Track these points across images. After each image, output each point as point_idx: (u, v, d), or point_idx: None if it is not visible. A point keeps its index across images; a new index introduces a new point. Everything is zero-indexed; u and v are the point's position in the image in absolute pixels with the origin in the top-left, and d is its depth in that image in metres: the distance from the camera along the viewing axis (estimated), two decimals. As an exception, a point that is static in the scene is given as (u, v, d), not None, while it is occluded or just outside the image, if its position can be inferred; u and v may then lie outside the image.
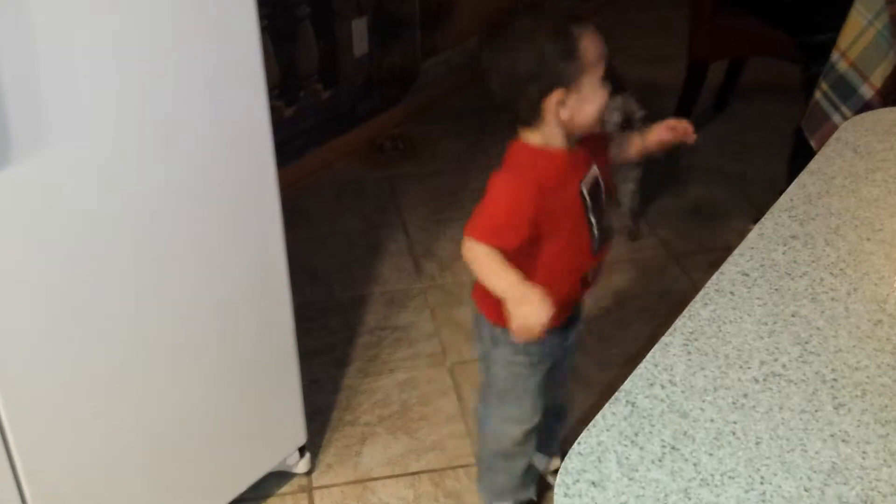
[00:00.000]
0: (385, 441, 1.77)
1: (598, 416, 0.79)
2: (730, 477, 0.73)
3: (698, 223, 2.48)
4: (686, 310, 0.92)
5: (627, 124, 2.22)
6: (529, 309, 1.10)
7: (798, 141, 2.02)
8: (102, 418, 1.26)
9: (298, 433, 1.63)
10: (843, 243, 1.04)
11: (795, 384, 0.82)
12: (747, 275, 0.98)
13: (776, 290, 0.95)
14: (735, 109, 3.05)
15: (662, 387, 0.82)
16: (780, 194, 1.13)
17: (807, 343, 0.88)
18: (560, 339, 1.36)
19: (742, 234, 1.06)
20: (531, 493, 1.55)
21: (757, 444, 0.76)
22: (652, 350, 0.86)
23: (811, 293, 0.95)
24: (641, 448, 0.75)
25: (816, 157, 1.22)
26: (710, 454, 0.75)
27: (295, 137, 2.58)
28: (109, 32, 1.06)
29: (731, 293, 0.95)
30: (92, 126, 1.09)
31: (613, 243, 1.33)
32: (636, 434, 0.77)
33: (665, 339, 0.88)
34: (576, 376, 1.69)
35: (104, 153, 1.12)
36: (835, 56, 1.85)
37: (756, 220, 1.08)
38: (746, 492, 0.71)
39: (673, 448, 0.75)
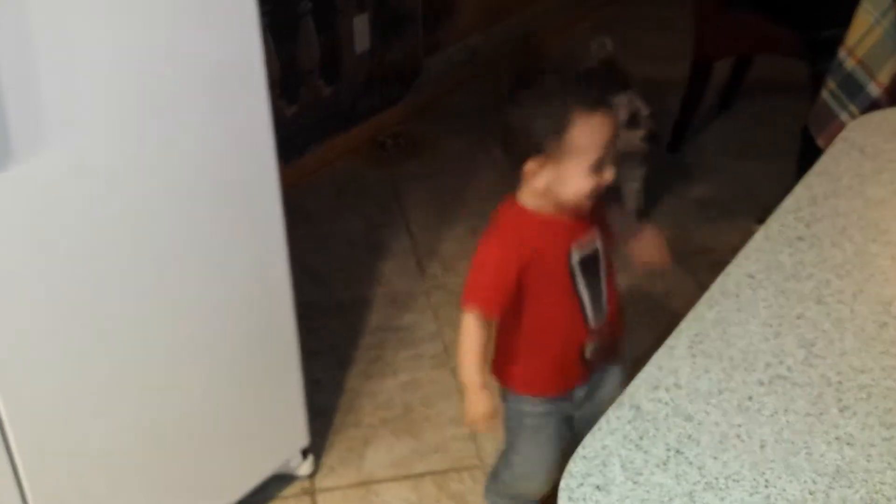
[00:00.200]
0: (388, 443, 1.77)
1: (603, 420, 0.78)
2: (734, 480, 0.72)
3: (704, 223, 2.47)
4: (691, 312, 0.92)
5: (633, 122, 2.21)
6: (469, 402, 1.19)
7: (806, 139, 2.01)
8: (103, 419, 1.26)
9: (301, 435, 1.63)
10: (849, 245, 1.03)
11: (800, 387, 0.82)
12: (753, 277, 0.97)
13: (782, 292, 0.95)
14: (741, 107, 3.04)
15: (667, 390, 0.81)
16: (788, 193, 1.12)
17: (812, 346, 0.87)
18: (568, 402, 1.34)
19: (748, 235, 1.05)
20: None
21: (762, 447, 0.75)
22: (656, 353, 0.86)
23: (817, 295, 0.94)
24: (646, 452, 0.75)
25: (822, 157, 1.21)
26: (715, 457, 0.74)
27: (296, 135, 2.58)
28: (109, 31, 1.06)
29: (737, 295, 0.94)
30: (92, 126, 1.09)
31: (623, 304, 1.31)
32: (641, 438, 0.76)
33: (669, 341, 0.88)
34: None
35: (105, 153, 1.11)
36: (842, 54, 1.84)
37: (761, 221, 1.08)
38: (751, 495, 0.71)
39: (677, 451, 0.75)
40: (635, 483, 0.72)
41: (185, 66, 1.16)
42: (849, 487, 0.72)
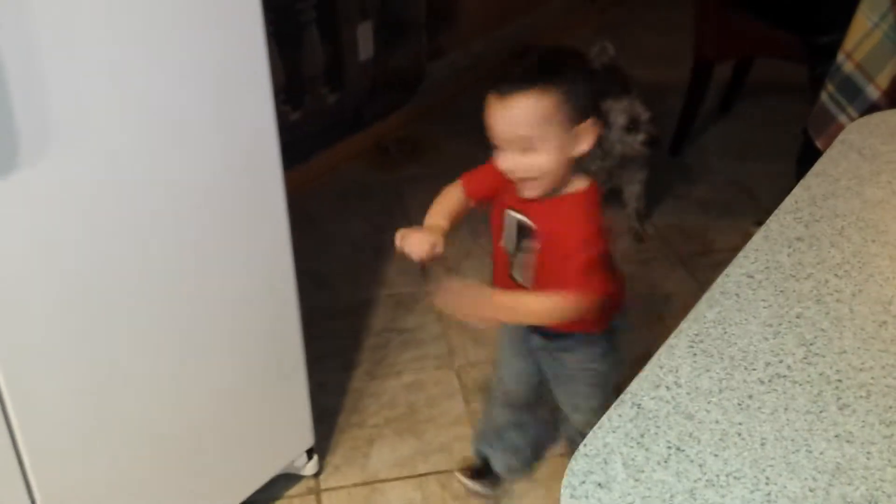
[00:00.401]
0: (392, 443, 1.78)
1: (604, 418, 0.79)
2: (735, 478, 0.73)
3: (704, 224, 2.47)
4: (691, 312, 0.92)
5: (633, 126, 2.22)
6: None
7: (806, 141, 2.02)
8: (110, 421, 1.27)
9: (306, 435, 1.64)
10: (848, 245, 1.04)
11: (800, 385, 0.83)
12: (752, 277, 0.98)
13: (781, 291, 0.95)
14: (741, 109, 3.05)
15: (668, 388, 0.82)
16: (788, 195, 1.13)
17: (812, 344, 0.88)
18: (520, 332, 1.42)
19: (748, 236, 1.06)
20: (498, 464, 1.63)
21: (762, 444, 0.76)
22: (657, 352, 0.87)
23: (816, 295, 0.95)
24: (647, 449, 0.75)
25: (821, 159, 1.22)
26: (716, 455, 0.75)
27: (300, 141, 2.59)
28: (115, 37, 1.07)
29: (737, 295, 0.95)
30: (99, 131, 1.09)
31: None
32: (642, 435, 0.77)
33: (670, 340, 0.88)
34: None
35: (111, 158, 1.12)
36: (840, 57, 1.85)
37: (760, 223, 1.08)
38: (752, 492, 0.72)
39: (678, 449, 0.76)
40: (637, 480, 0.73)
41: (192, 72, 1.17)
42: (849, 484, 0.72)
